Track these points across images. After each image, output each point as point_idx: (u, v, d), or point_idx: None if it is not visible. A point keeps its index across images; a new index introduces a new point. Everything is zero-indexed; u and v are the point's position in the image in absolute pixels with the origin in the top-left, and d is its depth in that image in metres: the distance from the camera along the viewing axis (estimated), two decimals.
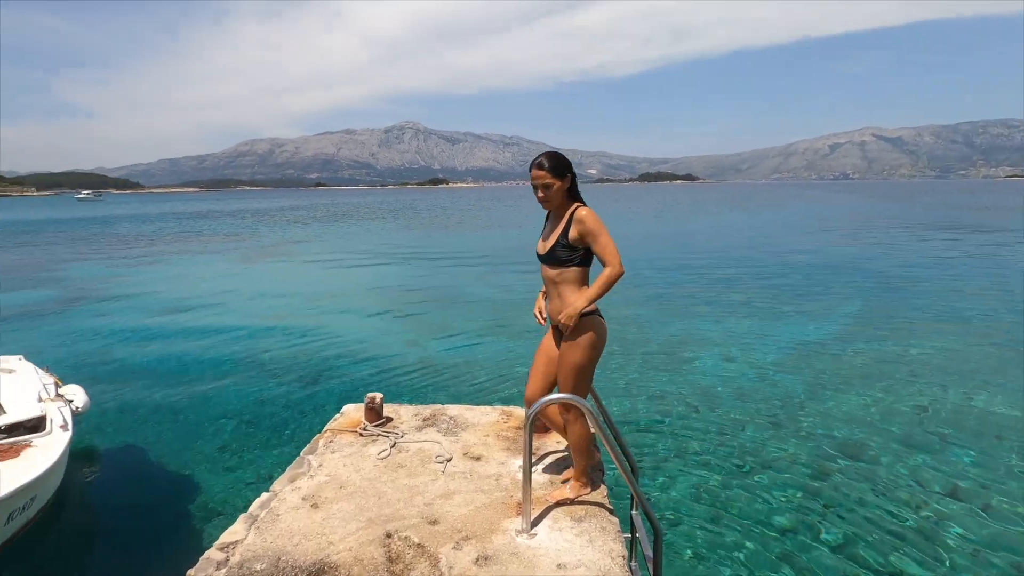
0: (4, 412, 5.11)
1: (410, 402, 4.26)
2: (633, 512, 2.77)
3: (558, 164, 2.54)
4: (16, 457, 3.88)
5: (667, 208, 59.91)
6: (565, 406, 2.58)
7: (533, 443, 2.79)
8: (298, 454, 3.24)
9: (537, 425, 3.28)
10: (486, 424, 3.60)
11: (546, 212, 2.71)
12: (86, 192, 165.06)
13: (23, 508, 3.74)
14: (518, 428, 3.50)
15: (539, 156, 2.59)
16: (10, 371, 5.94)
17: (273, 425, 6.47)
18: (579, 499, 2.68)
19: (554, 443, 3.28)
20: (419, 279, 16.65)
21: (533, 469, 2.79)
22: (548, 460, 3.10)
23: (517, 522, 2.47)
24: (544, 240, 2.62)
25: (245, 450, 5.92)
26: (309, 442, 3.45)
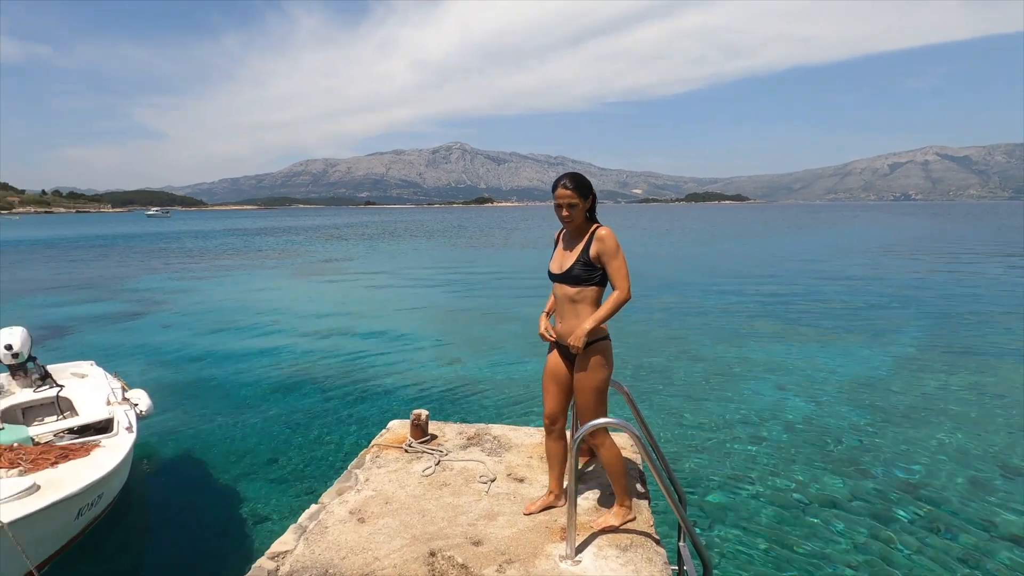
0: (77, 414, 5.45)
1: (454, 420, 4.29)
2: (681, 544, 2.69)
3: (581, 184, 2.57)
4: (87, 456, 4.06)
5: (714, 228, 58.60)
6: (592, 431, 2.51)
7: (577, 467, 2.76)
8: (342, 467, 3.31)
9: (582, 449, 3.24)
10: (529, 445, 3.58)
11: (556, 233, 2.77)
12: (155, 209, 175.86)
13: (91, 504, 3.91)
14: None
15: (563, 176, 2.60)
16: (83, 375, 6.34)
17: (319, 437, 6.63)
18: (624, 527, 2.63)
19: (599, 468, 3.23)
20: (464, 296, 16.85)
21: (578, 494, 2.76)
22: (592, 485, 3.05)
23: (561, 548, 2.44)
24: (561, 259, 2.63)
25: (293, 460, 6.08)
26: (353, 455, 3.52)
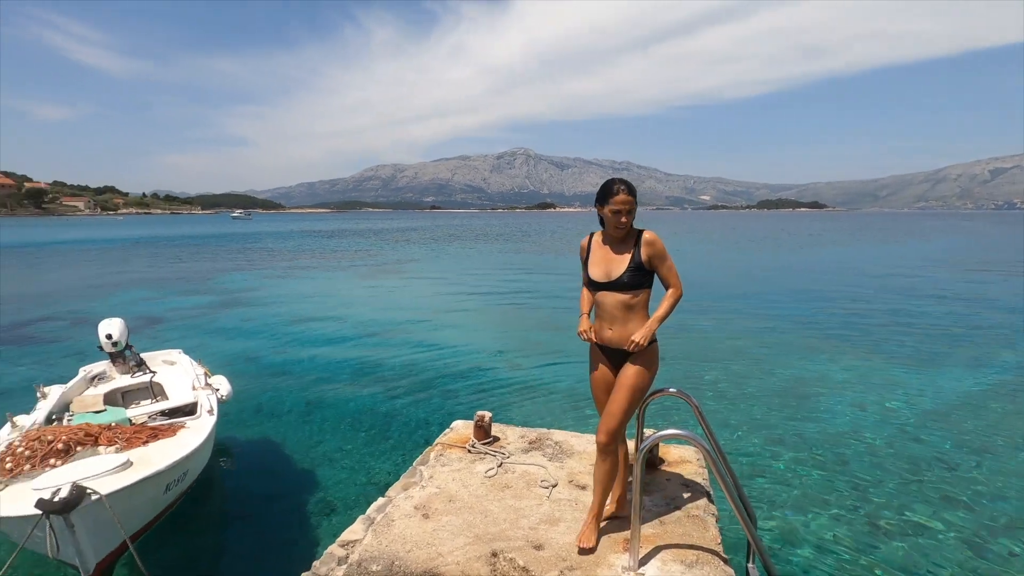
0: (167, 398, 5.89)
1: (515, 423, 4.32)
2: (750, 565, 2.58)
3: (635, 191, 2.58)
4: (173, 436, 4.34)
5: (788, 236, 55.79)
6: (612, 436, 2.55)
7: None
8: (404, 462, 3.41)
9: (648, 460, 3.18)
10: (591, 453, 3.55)
11: (585, 240, 2.74)
12: (239, 211, 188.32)
13: (177, 481, 4.18)
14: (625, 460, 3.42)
15: (618, 182, 2.56)
16: (172, 363, 6.86)
17: (383, 433, 6.84)
18: (689, 543, 2.55)
19: (663, 480, 3.16)
20: (526, 300, 16.92)
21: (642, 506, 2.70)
22: (656, 497, 2.99)
23: (624, 558, 2.41)
24: (607, 266, 2.59)
25: (357, 454, 6.30)
26: (416, 452, 3.62)
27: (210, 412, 5.03)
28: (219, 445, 6.19)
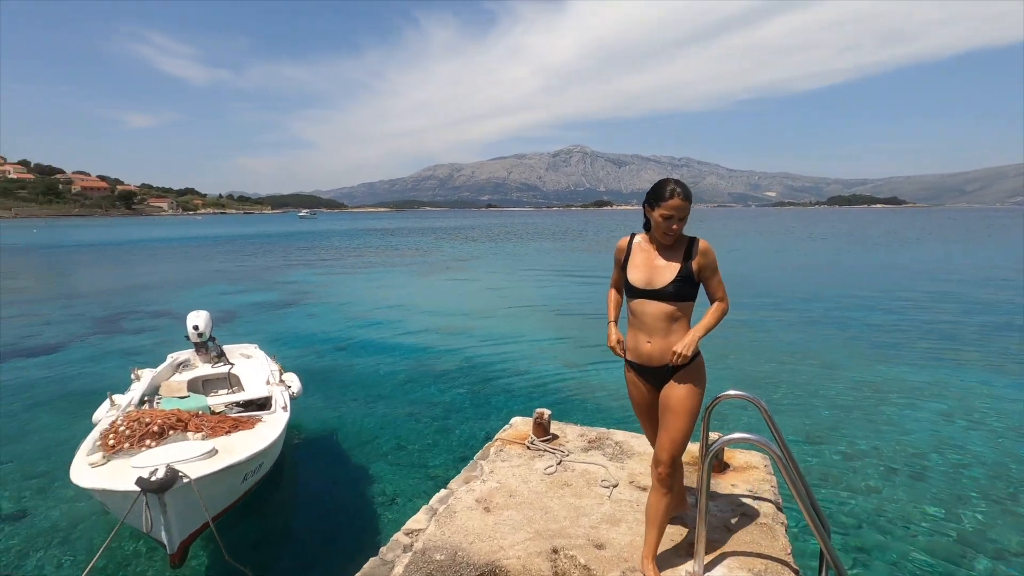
0: (243, 389, 6.24)
1: (571, 421, 4.31)
2: None
3: (690, 193, 2.33)
4: (251, 429, 4.58)
5: (864, 234, 52.51)
6: (670, 467, 2.30)
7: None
8: (461, 456, 3.48)
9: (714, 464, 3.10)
10: (652, 454, 3.49)
11: (624, 242, 2.49)
12: (305, 211, 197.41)
13: (254, 471, 4.42)
14: (687, 463, 3.34)
15: (673, 183, 2.32)
16: (248, 356, 7.27)
17: (441, 428, 6.98)
18: (758, 552, 2.47)
19: (728, 485, 3.07)
20: (584, 300, 16.80)
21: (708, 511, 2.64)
22: (721, 502, 2.91)
23: (688, 563, 2.36)
24: (650, 273, 2.35)
25: (416, 447, 6.47)
26: (473, 447, 3.68)
27: (284, 408, 5.28)
28: (288, 435, 6.52)
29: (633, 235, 2.51)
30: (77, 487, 3.42)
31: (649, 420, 2.53)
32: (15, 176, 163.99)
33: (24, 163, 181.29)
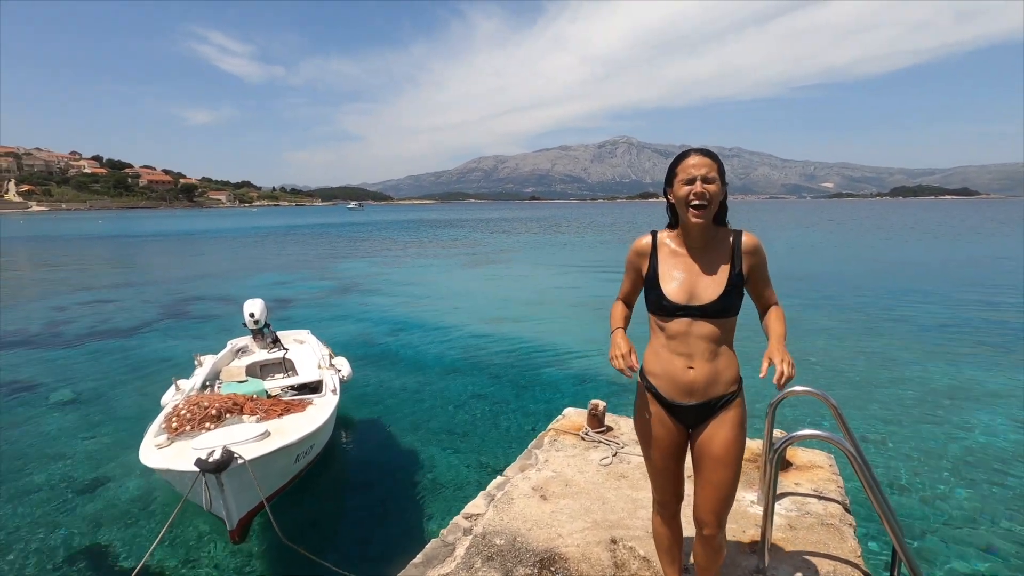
0: (297, 374, 6.47)
1: (623, 414, 4.27)
2: None
3: (723, 167, 1.82)
4: (303, 411, 4.74)
5: (930, 227, 49.51)
6: (722, 525, 1.87)
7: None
8: (508, 443, 3.49)
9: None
10: None
11: (645, 238, 1.96)
12: (354, 203, 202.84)
13: (306, 453, 4.57)
14: (747, 461, 3.26)
15: (692, 149, 1.87)
16: (301, 342, 7.53)
17: (489, 416, 7.05)
18: (826, 553, 2.39)
19: (792, 484, 2.98)
20: None
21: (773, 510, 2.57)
22: (785, 502, 2.83)
23: (752, 560, 2.31)
24: (691, 284, 1.84)
25: (465, 435, 6.56)
26: (520, 435, 3.70)
27: (334, 391, 5.43)
28: (338, 420, 6.74)
29: (655, 232, 1.97)
30: (144, 467, 3.66)
31: (676, 465, 1.96)
32: (90, 171, 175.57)
33: (97, 158, 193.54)
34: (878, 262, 24.19)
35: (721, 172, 1.80)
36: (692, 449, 1.91)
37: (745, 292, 1.87)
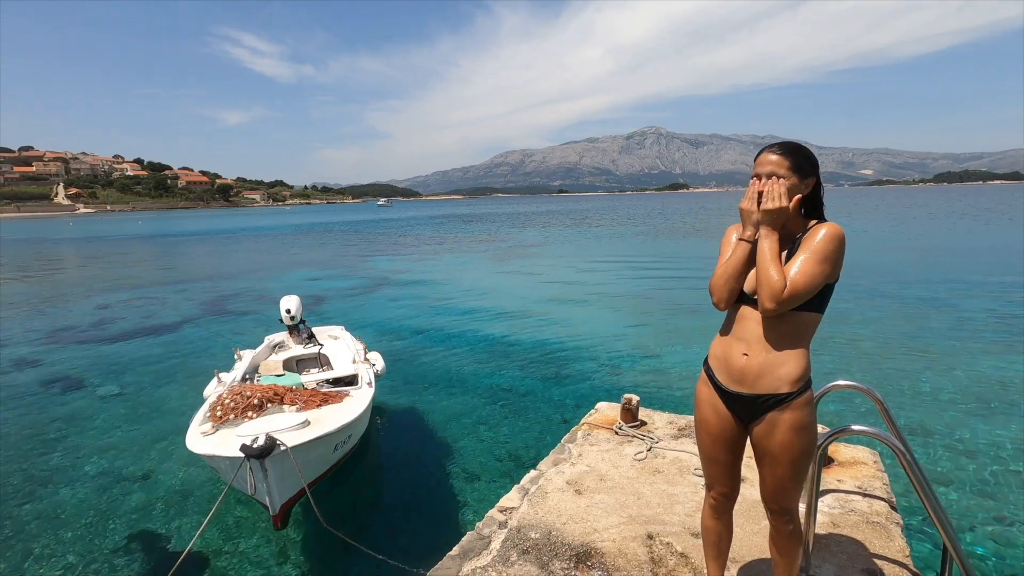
0: (332, 368, 6.61)
1: (657, 409, 4.22)
2: None
3: (799, 154, 1.79)
4: (340, 403, 4.84)
5: (980, 213, 47.25)
6: (790, 510, 1.84)
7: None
8: (541, 438, 3.49)
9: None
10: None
11: (730, 230, 1.97)
12: (383, 200, 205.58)
13: (344, 442, 4.69)
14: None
15: (770, 145, 1.87)
16: (336, 337, 7.68)
17: (520, 409, 7.07)
18: (872, 552, 2.32)
19: (834, 480, 2.90)
20: (666, 286, 16.36)
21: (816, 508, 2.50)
22: (829, 498, 2.75)
23: None
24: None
25: (496, 428, 6.58)
26: (552, 429, 3.69)
27: (369, 384, 5.55)
28: (374, 412, 6.86)
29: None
30: (191, 453, 3.80)
31: (725, 456, 1.94)
32: (132, 173, 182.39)
33: (139, 161, 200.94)
34: (922, 251, 23.24)
35: (799, 164, 1.78)
36: (752, 445, 1.89)
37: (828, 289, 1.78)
